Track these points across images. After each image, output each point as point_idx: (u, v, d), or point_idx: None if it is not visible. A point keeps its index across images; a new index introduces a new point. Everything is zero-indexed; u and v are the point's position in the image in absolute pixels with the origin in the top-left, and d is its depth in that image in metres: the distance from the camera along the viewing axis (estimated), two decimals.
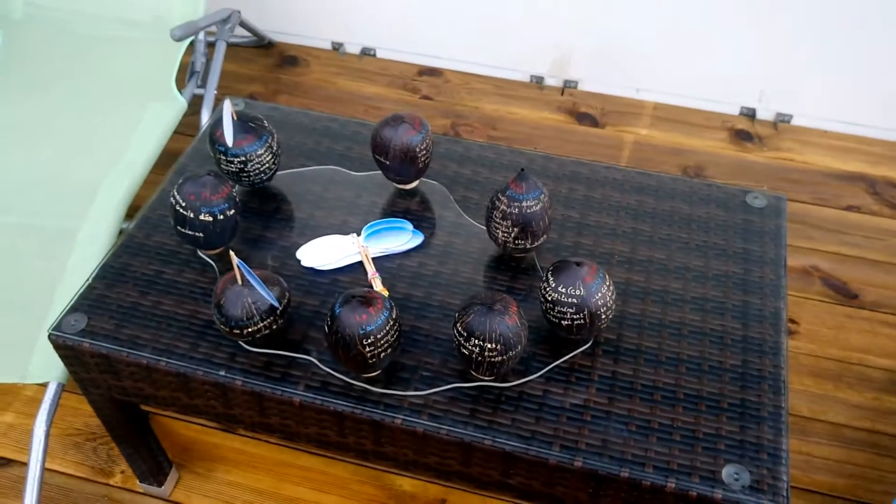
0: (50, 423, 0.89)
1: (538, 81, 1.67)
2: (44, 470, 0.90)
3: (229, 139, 0.84)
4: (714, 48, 1.52)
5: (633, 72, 1.61)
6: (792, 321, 1.24)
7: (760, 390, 0.74)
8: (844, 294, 1.28)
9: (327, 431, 0.76)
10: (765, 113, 1.59)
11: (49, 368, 0.90)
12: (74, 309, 0.80)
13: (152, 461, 0.99)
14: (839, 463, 1.07)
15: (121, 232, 1.06)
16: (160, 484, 1.02)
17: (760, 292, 0.82)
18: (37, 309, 0.97)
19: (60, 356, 0.81)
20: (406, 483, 1.05)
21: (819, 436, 1.10)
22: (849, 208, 1.41)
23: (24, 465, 1.07)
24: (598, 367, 0.75)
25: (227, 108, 0.84)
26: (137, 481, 1.03)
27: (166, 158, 1.27)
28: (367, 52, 1.75)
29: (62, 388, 0.91)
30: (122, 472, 1.07)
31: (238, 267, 0.70)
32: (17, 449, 1.09)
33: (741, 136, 1.55)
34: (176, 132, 1.24)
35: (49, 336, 0.78)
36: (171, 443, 1.09)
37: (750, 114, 1.59)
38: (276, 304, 0.72)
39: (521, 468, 0.71)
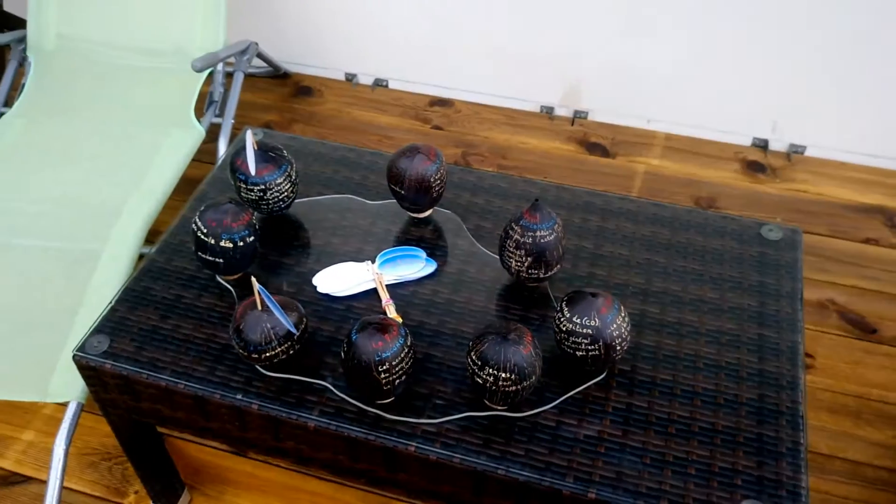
0: (69, 442, 0.91)
1: (548, 111, 1.70)
2: (62, 488, 0.91)
3: (252, 168, 0.87)
4: (726, 78, 1.54)
5: (643, 102, 1.62)
6: (808, 355, 1.23)
7: (778, 425, 0.73)
8: (862, 328, 1.26)
9: (340, 457, 0.76)
10: (777, 144, 1.59)
11: (70, 388, 0.92)
12: (97, 331, 0.81)
13: (166, 482, 0.99)
14: (859, 503, 1.05)
15: (142, 256, 1.08)
16: None
17: (777, 326, 0.82)
18: (58, 329, 0.99)
19: (83, 377, 0.82)
20: None
21: (838, 474, 1.08)
22: (867, 241, 1.41)
23: (43, 482, 1.08)
24: (613, 399, 0.75)
25: (249, 139, 0.87)
26: (151, 502, 1.03)
27: (184, 184, 1.31)
28: (379, 83, 1.79)
29: (81, 408, 0.93)
30: (136, 492, 1.07)
31: (259, 293, 0.72)
32: (36, 466, 1.10)
33: (753, 168, 1.56)
34: (194, 159, 1.27)
35: (73, 357, 0.80)
36: (183, 464, 1.09)
37: (762, 145, 1.60)
38: (293, 330, 0.73)
39: (535, 499, 0.70)
